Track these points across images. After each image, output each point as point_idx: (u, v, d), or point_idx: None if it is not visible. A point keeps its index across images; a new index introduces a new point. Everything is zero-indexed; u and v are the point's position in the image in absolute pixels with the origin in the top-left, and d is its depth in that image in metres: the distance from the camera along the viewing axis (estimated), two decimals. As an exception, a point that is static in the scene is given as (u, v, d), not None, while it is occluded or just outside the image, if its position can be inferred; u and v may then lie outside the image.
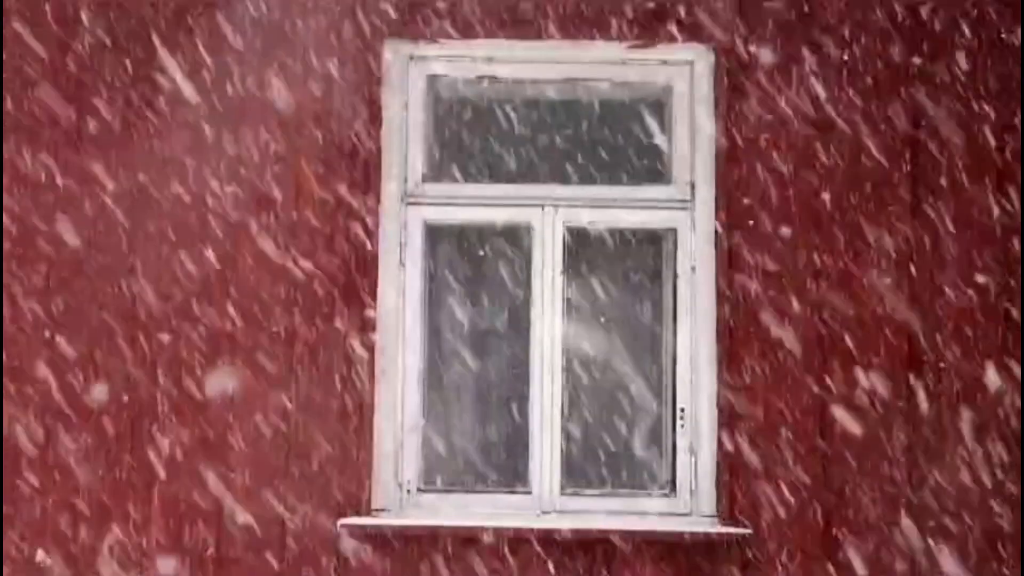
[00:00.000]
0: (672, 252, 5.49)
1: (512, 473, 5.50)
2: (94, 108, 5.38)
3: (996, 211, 5.35)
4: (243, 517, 5.22)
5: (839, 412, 5.27)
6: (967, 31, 5.42)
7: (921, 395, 5.28)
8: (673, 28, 5.46)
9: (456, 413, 5.61)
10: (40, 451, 5.24)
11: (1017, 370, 5.27)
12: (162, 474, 5.24)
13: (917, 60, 5.42)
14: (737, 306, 5.33)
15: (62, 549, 5.20)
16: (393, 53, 5.50)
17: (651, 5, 5.46)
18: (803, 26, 5.44)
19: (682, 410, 5.39)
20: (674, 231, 5.49)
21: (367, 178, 5.39)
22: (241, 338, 5.29)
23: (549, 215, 5.49)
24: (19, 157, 5.35)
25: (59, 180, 5.36)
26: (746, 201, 5.37)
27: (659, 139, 5.66)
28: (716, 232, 5.39)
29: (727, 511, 5.26)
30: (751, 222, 5.35)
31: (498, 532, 5.20)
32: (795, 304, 5.32)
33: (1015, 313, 5.28)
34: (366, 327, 5.32)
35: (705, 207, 5.44)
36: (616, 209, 5.51)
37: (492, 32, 5.47)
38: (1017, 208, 5.34)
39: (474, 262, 5.67)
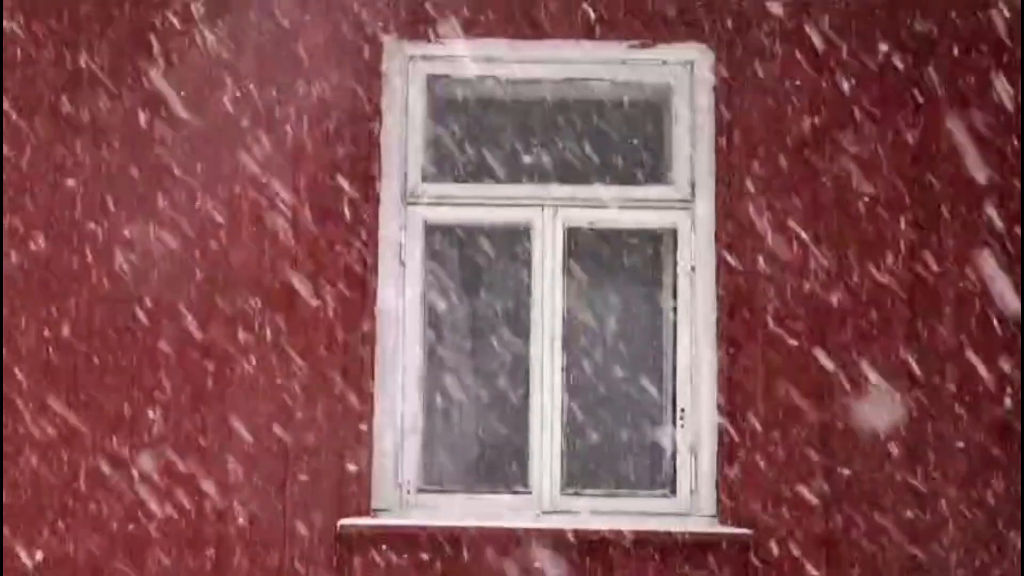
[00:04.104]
0: (672, 252, 5.49)
1: (512, 473, 5.50)
2: (87, 103, 5.40)
3: (1001, 217, 5.36)
4: (243, 517, 5.22)
5: (840, 411, 5.27)
6: (969, 34, 5.43)
7: (924, 394, 5.28)
8: (673, 28, 5.47)
9: (456, 413, 5.61)
10: (39, 440, 5.26)
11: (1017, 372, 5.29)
12: (163, 474, 5.24)
13: (921, 60, 5.42)
14: (737, 306, 5.33)
15: (59, 551, 5.21)
16: (393, 53, 5.50)
17: (652, 5, 5.46)
18: (803, 26, 5.44)
19: (682, 410, 5.39)
20: (674, 231, 5.49)
21: (367, 178, 5.39)
22: (241, 338, 5.29)
23: (549, 215, 5.49)
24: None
25: (53, 179, 5.37)
26: (746, 201, 5.37)
27: (659, 139, 5.66)
28: (716, 232, 5.39)
29: (727, 511, 5.26)
30: (751, 222, 5.36)
31: (498, 532, 5.20)
32: (795, 303, 5.32)
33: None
34: (366, 327, 5.32)
35: (705, 207, 5.44)
36: (616, 209, 5.51)
37: (492, 32, 5.47)
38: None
39: (474, 262, 5.68)
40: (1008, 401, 5.27)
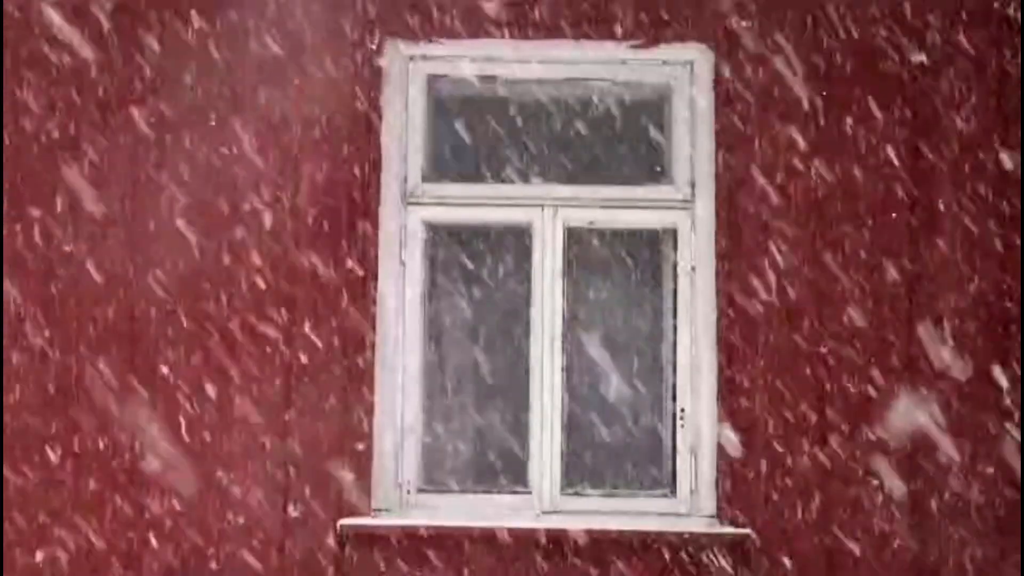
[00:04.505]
0: (672, 252, 5.49)
1: (512, 473, 5.50)
2: (88, 105, 5.41)
3: (999, 203, 5.35)
4: (243, 517, 5.22)
5: (840, 412, 5.27)
6: (967, 30, 5.43)
7: (924, 392, 5.28)
8: (673, 28, 5.47)
9: (456, 413, 5.60)
10: (38, 437, 5.26)
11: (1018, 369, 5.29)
12: (162, 474, 5.24)
13: (920, 58, 5.42)
14: (737, 306, 5.33)
15: (58, 550, 5.20)
16: (393, 53, 5.50)
17: (651, 5, 5.46)
18: (804, 25, 5.43)
19: (682, 410, 5.39)
20: (674, 231, 5.49)
21: (367, 178, 5.39)
22: (241, 338, 5.29)
23: (549, 215, 5.49)
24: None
25: (50, 179, 5.38)
26: (746, 200, 5.37)
27: (659, 139, 5.66)
28: (716, 232, 5.39)
29: (727, 511, 5.26)
30: (751, 221, 5.36)
31: (498, 532, 5.20)
32: (796, 304, 5.32)
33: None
34: (366, 327, 5.32)
35: (705, 207, 5.44)
36: (616, 209, 5.51)
37: (492, 32, 5.47)
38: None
39: (474, 262, 5.67)
40: (1009, 403, 5.27)
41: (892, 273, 5.33)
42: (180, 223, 5.35)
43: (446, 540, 5.20)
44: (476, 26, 5.46)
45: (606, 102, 5.69)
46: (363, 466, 5.27)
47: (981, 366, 5.28)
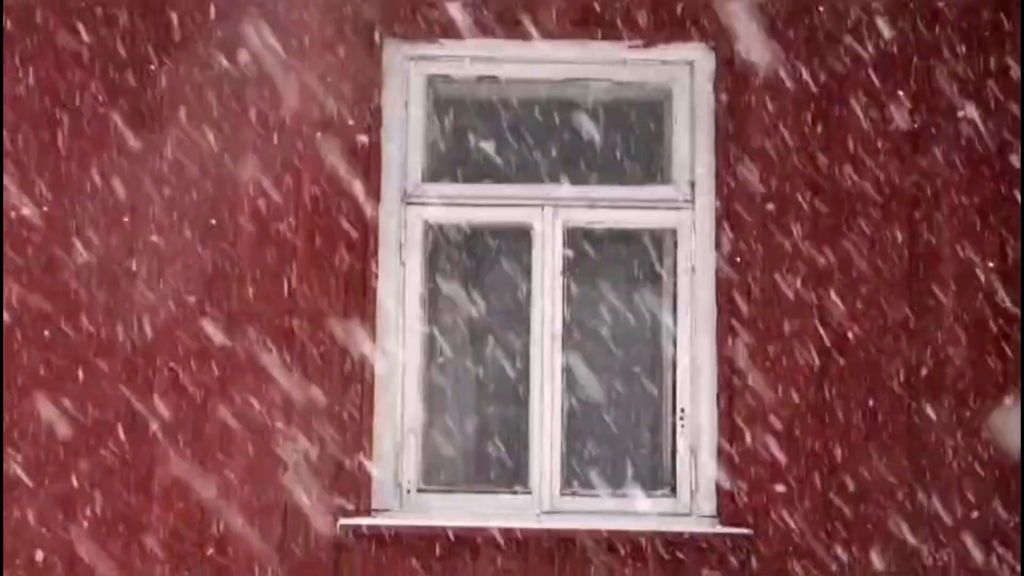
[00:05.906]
0: (672, 252, 5.49)
1: (512, 473, 5.50)
2: (87, 104, 5.41)
3: (998, 206, 5.36)
4: (243, 517, 5.22)
5: (840, 411, 5.27)
6: (970, 26, 5.43)
7: (923, 393, 5.28)
8: (673, 28, 5.46)
9: (456, 413, 5.61)
10: (38, 438, 5.27)
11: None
12: (162, 474, 5.24)
13: (919, 57, 5.42)
14: (737, 306, 5.33)
15: (58, 549, 5.21)
16: (393, 53, 5.50)
17: (652, 5, 5.46)
18: (804, 25, 5.44)
19: (682, 410, 5.39)
20: (674, 231, 5.49)
21: (367, 178, 5.39)
22: (241, 338, 5.29)
23: (549, 215, 5.49)
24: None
25: (50, 175, 5.37)
26: (746, 201, 5.37)
27: (659, 139, 5.66)
28: (716, 232, 5.39)
29: (727, 511, 5.26)
30: (751, 222, 5.36)
31: (498, 532, 5.20)
32: (796, 304, 5.32)
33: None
34: (366, 327, 5.32)
35: (705, 207, 5.44)
36: (616, 209, 5.51)
37: (492, 32, 5.47)
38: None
39: (474, 262, 5.68)
40: (1008, 402, 5.27)
41: (893, 272, 5.33)
42: (178, 224, 5.35)
43: (446, 540, 5.20)
44: (476, 26, 5.46)
45: (606, 102, 5.69)
46: (363, 466, 5.27)
47: (983, 365, 5.30)
